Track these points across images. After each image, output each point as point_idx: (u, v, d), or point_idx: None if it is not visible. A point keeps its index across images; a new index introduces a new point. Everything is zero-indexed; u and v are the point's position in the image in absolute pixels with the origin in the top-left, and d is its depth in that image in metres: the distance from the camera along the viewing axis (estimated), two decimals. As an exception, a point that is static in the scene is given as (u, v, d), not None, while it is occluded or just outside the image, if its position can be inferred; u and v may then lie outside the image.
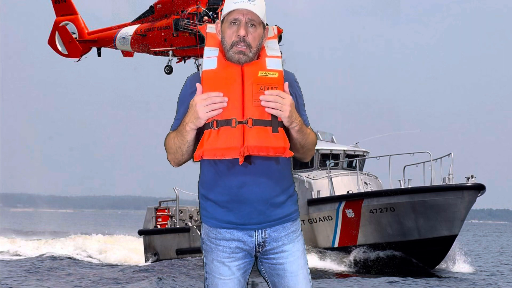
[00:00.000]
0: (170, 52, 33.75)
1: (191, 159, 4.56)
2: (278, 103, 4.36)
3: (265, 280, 4.72)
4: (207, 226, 4.62)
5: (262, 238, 4.58)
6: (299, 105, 4.60)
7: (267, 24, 4.58)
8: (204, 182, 4.60)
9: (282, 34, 4.73)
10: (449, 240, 25.26)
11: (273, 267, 4.64)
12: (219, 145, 4.37)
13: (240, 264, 4.60)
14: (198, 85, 4.44)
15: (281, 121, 4.41)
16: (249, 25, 4.46)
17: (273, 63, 4.49)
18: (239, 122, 4.37)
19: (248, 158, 4.44)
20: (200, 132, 4.46)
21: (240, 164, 4.43)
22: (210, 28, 4.62)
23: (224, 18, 4.50)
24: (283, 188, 4.58)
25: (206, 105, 4.35)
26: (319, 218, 26.30)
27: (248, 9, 4.44)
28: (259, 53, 4.53)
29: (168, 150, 4.56)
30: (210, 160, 4.48)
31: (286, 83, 4.47)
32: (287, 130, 4.48)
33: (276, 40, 4.63)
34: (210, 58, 4.50)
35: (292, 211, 4.63)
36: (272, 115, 4.39)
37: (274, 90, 4.40)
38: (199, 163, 4.60)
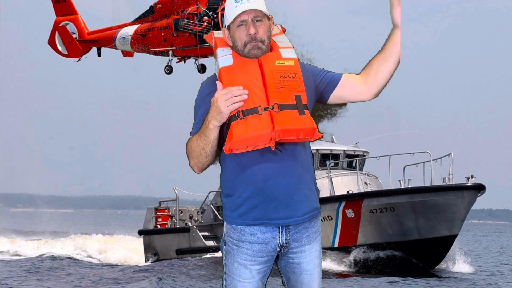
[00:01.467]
0: (170, 52, 33.74)
1: (216, 160, 4.56)
2: None
3: (280, 274, 4.74)
4: (230, 227, 4.61)
5: (286, 239, 4.58)
6: (321, 72, 4.69)
7: (270, 15, 4.63)
8: (227, 180, 4.60)
9: (284, 33, 4.80)
10: (449, 240, 25.26)
11: (289, 265, 4.66)
12: (250, 133, 4.37)
13: (261, 268, 4.60)
14: (218, 82, 4.48)
15: (306, 104, 4.46)
16: (256, 21, 4.53)
17: (287, 52, 4.58)
18: (266, 109, 4.40)
19: (278, 145, 4.46)
20: (222, 132, 4.47)
21: (272, 149, 4.44)
22: (217, 34, 4.68)
23: (229, 24, 4.57)
24: (307, 180, 4.60)
25: (227, 99, 4.37)
26: (319, 218, 26.29)
27: (250, 8, 4.51)
28: (271, 46, 4.60)
29: (191, 154, 4.54)
30: (231, 155, 4.49)
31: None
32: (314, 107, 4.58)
33: (284, 35, 4.72)
34: (225, 56, 4.55)
35: (315, 208, 4.65)
36: (296, 98, 4.44)
37: None
38: (219, 165, 4.62)
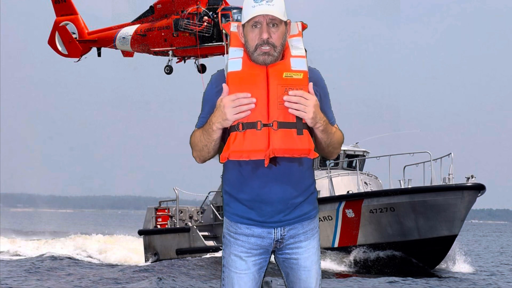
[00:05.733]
0: (170, 52, 33.76)
1: (217, 158, 4.61)
2: (301, 104, 4.40)
3: (279, 270, 4.83)
4: (228, 221, 4.72)
5: (281, 235, 4.68)
6: (324, 104, 4.63)
7: (289, 20, 4.59)
8: (229, 180, 4.68)
9: (304, 30, 4.69)
10: (449, 240, 25.27)
11: (287, 261, 4.76)
12: (245, 148, 4.44)
13: (257, 260, 4.70)
14: (224, 85, 4.48)
15: (306, 122, 4.46)
16: (271, 25, 4.50)
17: (297, 63, 4.52)
18: (264, 125, 4.43)
19: (273, 160, 4.51)
20: (225, 130, 4.51)
21: (265, 166, 4.50)
22: (234, 27, 4.64)
23: (245, 22, 4.53)
24: (303, 188, 4.67)
25: (234, 106, 4.40)
26: (319, 218, 26.30)
27: (267, 12, 4.46)
28: (284, 52, 4.55)
29: (194, 147, 4.62)
30: (234, 160, 4.54)
31: (311, 84, 4.49)
32: (311, 130, 4.53)
33: (300, 38, 4.64)
34: (235, 59, 4.54)
35: (310, 209, 4.73)
36: (297, 117, 4.44)
37: (298, 90, 4.42)
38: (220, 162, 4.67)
